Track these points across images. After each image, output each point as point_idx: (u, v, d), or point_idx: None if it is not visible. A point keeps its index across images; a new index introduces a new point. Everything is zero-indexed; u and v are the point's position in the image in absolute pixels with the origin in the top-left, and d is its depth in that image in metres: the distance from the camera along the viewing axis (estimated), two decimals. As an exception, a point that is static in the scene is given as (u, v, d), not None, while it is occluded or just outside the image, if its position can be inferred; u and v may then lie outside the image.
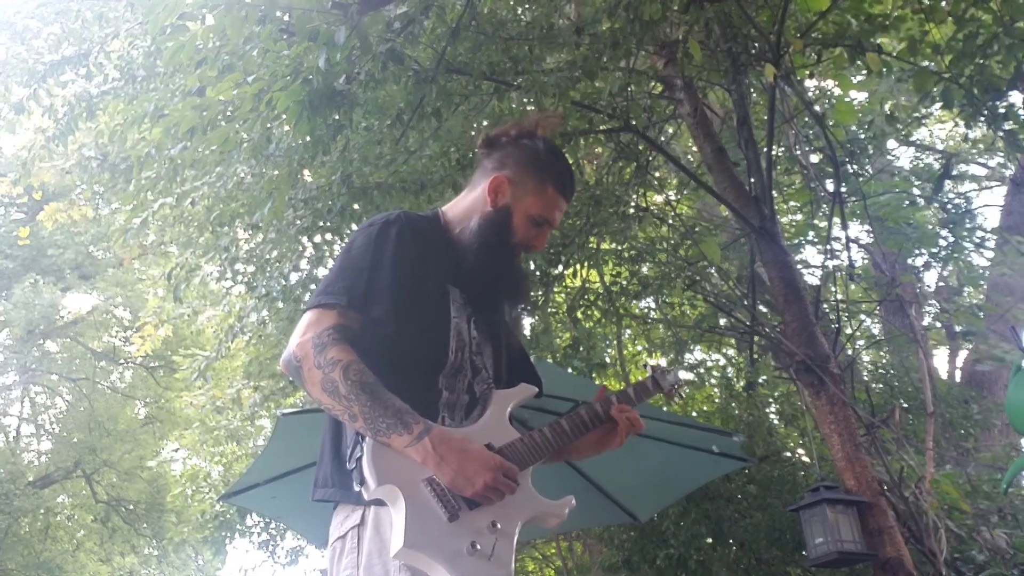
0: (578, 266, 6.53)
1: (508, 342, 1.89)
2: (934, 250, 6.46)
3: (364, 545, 1.54)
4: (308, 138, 3.99)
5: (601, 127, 5.44)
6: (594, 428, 1.83)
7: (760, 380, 7.01)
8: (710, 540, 5.82)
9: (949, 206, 6.48)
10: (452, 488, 1.49)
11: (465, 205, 1.84)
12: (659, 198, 6.94)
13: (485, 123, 4.73)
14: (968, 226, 6.38)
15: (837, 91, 6.16)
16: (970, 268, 7.56)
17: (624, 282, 6.58)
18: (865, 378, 7.04)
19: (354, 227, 5.25)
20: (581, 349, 6.55)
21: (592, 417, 1.83)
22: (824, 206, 6.07)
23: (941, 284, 7.87)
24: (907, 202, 6.26)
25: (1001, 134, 4.35)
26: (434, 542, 1.44)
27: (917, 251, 6.47)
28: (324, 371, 1.52)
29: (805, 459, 6.34)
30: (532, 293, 2.17)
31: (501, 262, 1.78)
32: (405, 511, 1.45)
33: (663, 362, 8.94)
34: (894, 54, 4.72)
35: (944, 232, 6.43)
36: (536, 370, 1.94)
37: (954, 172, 6.47)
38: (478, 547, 1.46)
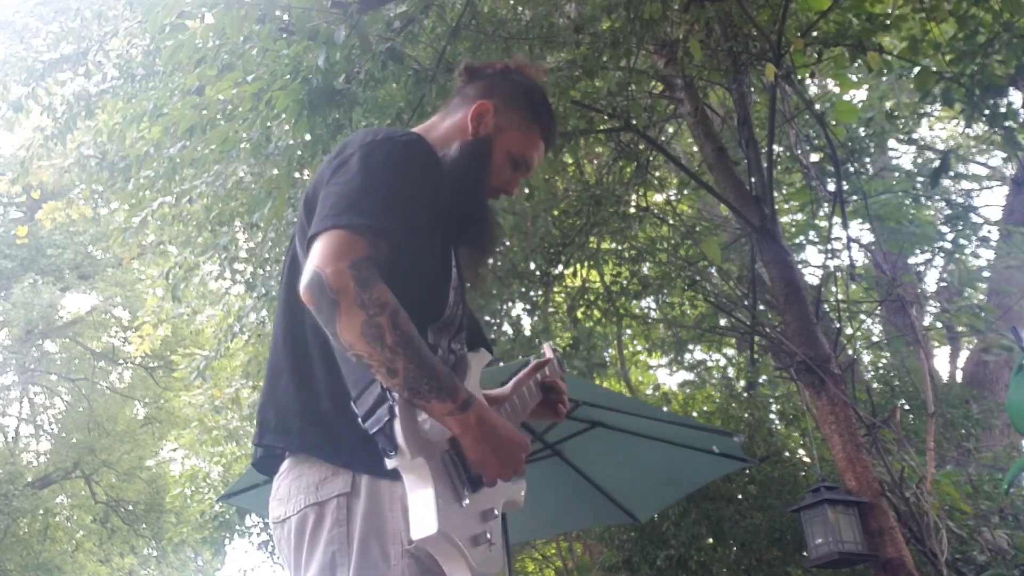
0: (578, 266, 6.52)
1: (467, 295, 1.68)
2: (936, 246, 6.45)
3: (357, 519, 1.31)
4: (308, 137, 3.99)
5: (601, 127, 5.44)
6: (537, 397, 1.72)
7: (761, 380, 7.01)
8: (710, 540, 5.82)
9: (951, 201, 6.48)
10: (478, 467, 1.34)
11: (443, 130, 1.62)
12: (659, 198, 6.93)
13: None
14: (972, 222, 6.37)
15: (837, 90, 6.16)
16: (969, 270, 7.57)
17: (624, 282, 6.57)
18: (866, 378, 7.04)
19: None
20: (581, 349, 6.54)
21: (539, 388, 1.73)
22: (825, 205, 6.07)
23: (942, 284, 7.86)
24: (908, 200, 6.25)
25: (1000, 132, 4.35)
26: (456, 528, 1.29)
27: (918, 250, 6.47)
28: (368, 313, 1.25)
29: (806, 459, 6.33)
30: (497, 243, 1.87)
31: (475, 198, 1.57)
32: (434, 491, 1.27)
33: (663, 361, 8.94)
34: (895, 53, 4.72)
35: (945, 229, 6.42)
36: (485, 333, 1.78)
37: (952, 172, 6.46)
38: (487, 535, 1.35)
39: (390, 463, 1.28)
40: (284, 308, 1.51)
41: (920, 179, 6.50)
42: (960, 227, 6.37)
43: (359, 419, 1.30)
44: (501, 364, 4.48)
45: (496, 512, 1.40)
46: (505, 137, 1.60)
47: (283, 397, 1.42)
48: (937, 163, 5.06)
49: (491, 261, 1.75)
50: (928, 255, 6.68)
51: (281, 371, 1.45)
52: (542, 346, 1.90)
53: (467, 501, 1.33)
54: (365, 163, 1.40)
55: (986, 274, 7.70)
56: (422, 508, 1.27)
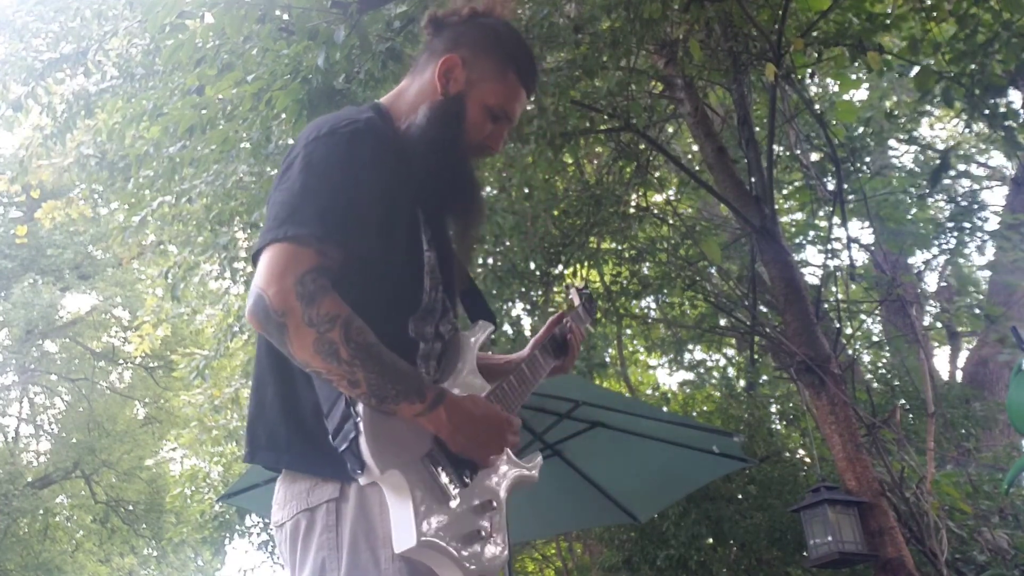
0: (578, 265, 6.52)
1: (457, 265, 1.59)
2: (938, 242, 6.45)
3: (346, 525, 1.29)
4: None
5: (601, 126, 5.43)
6: (551, 362, 1.70)
7: (760, 380, 7.01)
8: (710, 540, 5.82)
9: (954, 199, 6.47)
10: (464, 453, 1.33)
11: (410, 95, 1.51)
12: (659, 197, 6.93)
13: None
14: (975, 221, 6.36)
15: (837, 89, 6.16)
16: (969, 272, 7.57)
17: (624, 282, 6.57)
18: (866, 378, 7.04)
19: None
20: (581, 349, 6.53)
21: (549, 352, 1.71)
22: (825, 205, 6.07)
23: (942, 284, 7.87)
24: (908, 199, 6.25)
25: (1000, 132, 4.35)
26: (445, 531, 1.28)
27: (920, 250, 6.46)
28: (318, 330, 1.21)
29: (806, 459, 6.33)
30: (483, 207, 1.71)
31: (452, 163, 1.46)
32: (412, 501, 1.26)
33: (663, 361, 8.93)
34: (895, 53, 4.71)
35: (949, 225, 6.41)
36: (486, 302, 1.70)
37: (953, 171, 6.46)
38: (483, 531, 1.34)
39: (361, 480, 1.27)
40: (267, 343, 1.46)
41: (922, 180, 6.50)
42: (963, 226, 6.36)
43: (329, 435, 1.29)
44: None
45: (495, 503, 1.38)
46: (479, 90, 1.47)
47: (270, 413, 1.39)
48: (937, 162, 5.05)
49: (480, 227, 1.67)
50: (928, 255, 6.69)
51: (266, 386, 1.41)
52: (569, 290, 1.86)
53: (455, 501, 1.31)
54: (307, 164, 1.33)
55: (986, 273, 7.70)
56: (401, 520, 1.26)
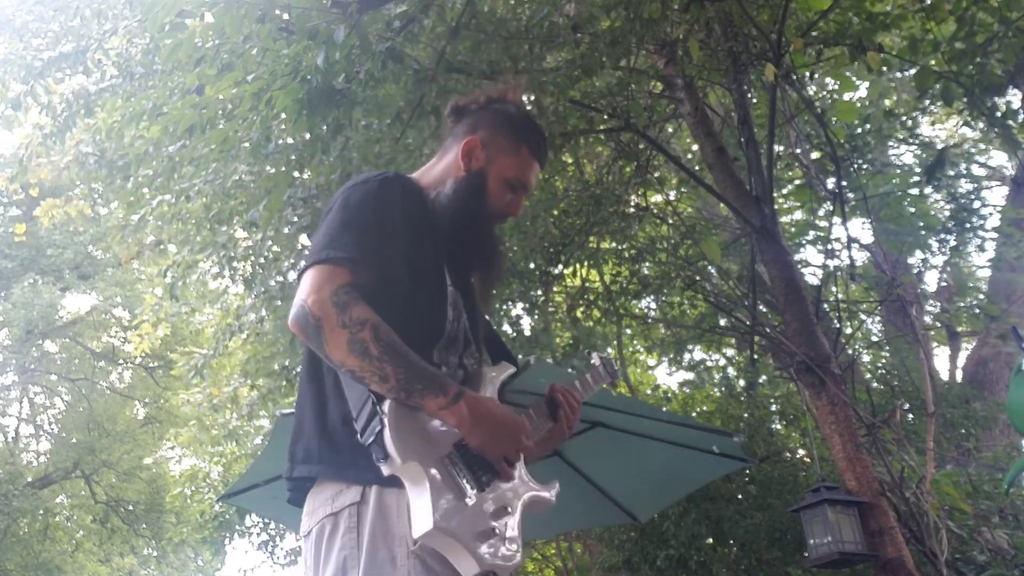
0: (578, 265, 6.52)
1: (481, 316, 1.82)
2: (937, 239, 6.43)
3: (366, 525, 1.42)
4: (307, 135, 3.98)
5: (601, 126, 5.43)
6: (546, 423, 1.77)
7: (760, 380, 7.00)
8: (710, 540, 5.82)
9: (955, 198, 6.46)
10: (482, 451, 1.45)
11: (438, 172, 1.76)
12: (659, 197, 6.93)
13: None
14: (977, 217, 6.35)
15: (837, 88, 6.15)
16: (969, 270, 7.56)
17: (624, 281, 6.57)
18: (866, 378, 7.03)
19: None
20: (580, 348, 6.53)
21: (549, 408, 1.78)
22: (825, 204, 6.07)
23: (942, 284, 7.86)
24: (908, 196, 6.24)
25: (998, 131, 4.35)
26: (459, 525, 1.39)
27: (923, 252, 6.45)
28: (351, 331, 1.40)
29: (806, 459, 6.33)
30: (503, 264, 2.16)
31: (476, 229, 1.70)
32: (429, 491, 1.38)
33: (663, 361, 8.93)
34: (894, 52, 4.71)
35: (949, 224, 6.40)
36: (507, 347, 1.90)
37: (951, 171, 6.45)
38: (497, 531, 1.44)
39: (384, 469, 1.40)
40: (307, 360, 1.65)
41: (918, 172, 6.49)
42: (964, 226, 6.35)
43: (358, 434, 1.44)
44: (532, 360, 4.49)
45: (510, 509, 1.49)
46: (497, 164, 1.72)
47: (307, 431, 1.57)
48: (936, 156, 5.04)
49: (499, 283, 1.98)
50: (928, 252, 6.67)
51: (305, 412, 1.60)
52: (592, 356, 2.03)
53: (472, 500, 1.43)
54: (344, 205, 1.58)
55: (986, 273, 7.70)
56: (418, 507, 1.38)
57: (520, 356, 5.34)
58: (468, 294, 1.73)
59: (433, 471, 1.41)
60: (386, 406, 1.42)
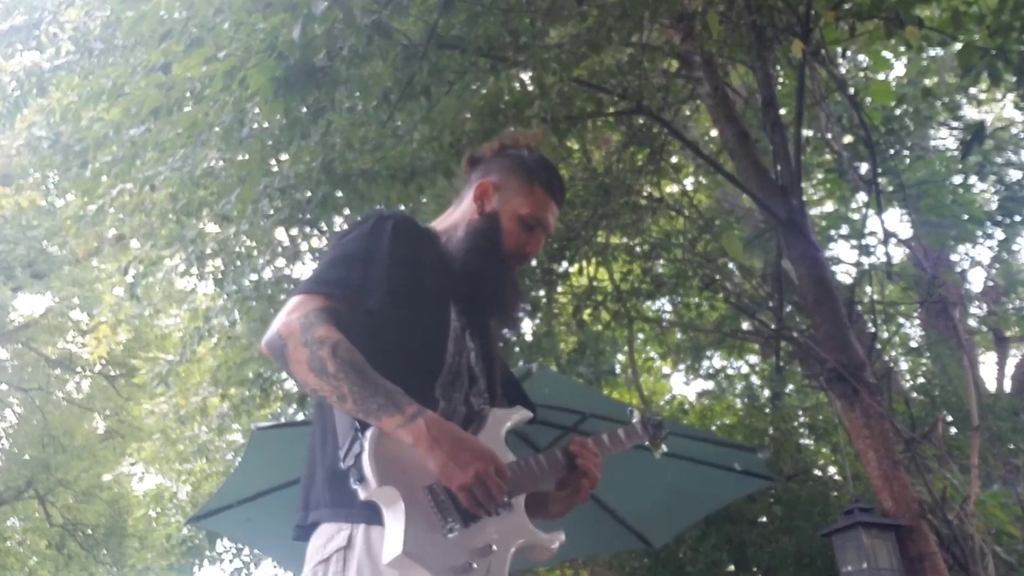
0: (585, 262, 6.52)
1: (498, 359, 1.96)
2: (985, 233, 6.41)
3: (351, 570, 1.55)
4: (283, 119, 3.97)
5: (611, 109, 5.43)
6: (567, 470, 1.80)
7: (787, 390, 7.01)
8: (732, 567, 5.82)
9: (1004, 186, 6.43)
10: (441, 475, 1.53)
11: (454, 218, 1.95)
12: (675, 187, 6.93)
13: (480, 105, 4.72)
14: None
15: (872, 66, 6.15)
16: (1018, 267, 7.55)
17: (636, 281, 6.57)
18: (904, 388, 7.03)
19: (336, 219, 5.25)
20: (588, 354, 6.53)
21: (564, 456, 1.80)
22: (859, 194, 6.07)
23: (989, 284, 7.86)
24: (950, 183, 6.22)
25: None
26: (431, 555, 1.47)
27: (964, 245, 6.44)
28: (311, 349, 1.57)
29: (837, 477, 6.33)
30: (524, 306, 2.33)
31: (490, 269, 1.85)
32: (405, 517, 1.48)
33: (679, 369, 8.93)
34: (935, 27, 4.71)
35: (997, 216, 6.39)
36: (527, 395, 2.00)
37: (998, 156, 6.44)
38: (475, 567, 1.51)
39: (360, 493, 1.52)
40: (317, 409, 1.81)
41: (958, 156, 6.47)
42: (1013, 217, 6.33)
43: (341, 462, 1.58)
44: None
45: (495, 548, 1.56)
46: (511, 205, 1.89)
47: (315, 475, 1.73)
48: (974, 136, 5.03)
49: (517, 324, 2.13)
50: (973, 247, 6.66)
51: (315, 455, 1.75)
52: (632, 413, 2.06)
53: (453, 533, 1.52)
54: (336, 243, 1.83)
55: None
56: (391, 532, 1.48)
57: (520, 363, 5.34)
58: (481, 333, 1.88)
59: (413, 498, 1.51)
60: (369, 432, 1.54)
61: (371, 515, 1.55)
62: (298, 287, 1.74)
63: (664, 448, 2.07)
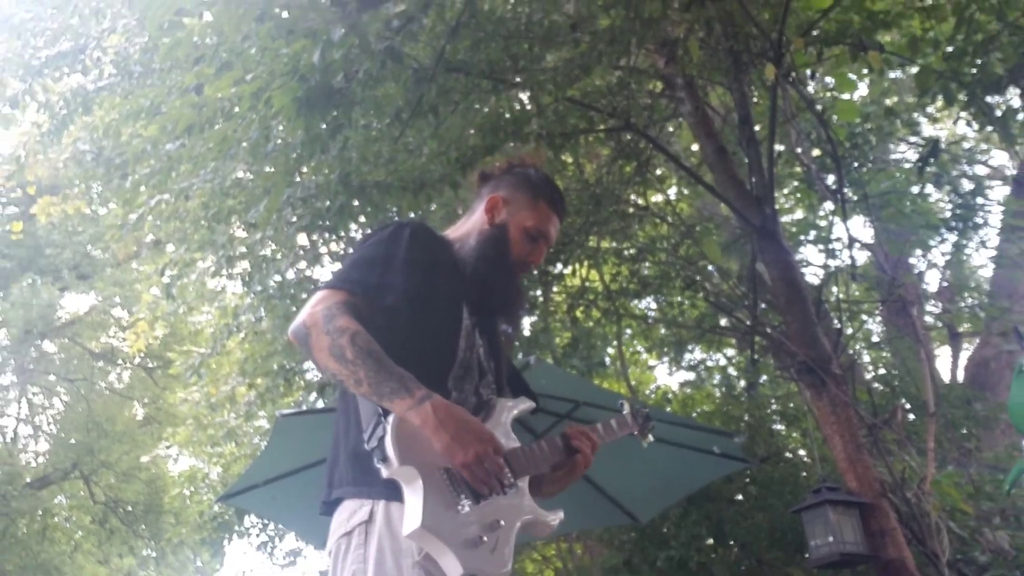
0: (578, 265, 6.51)
1: (505, 355, 1.98)
2: (938, 241, 6.40)
3: (373, 541, 1.56)
4: (305, 133, 3.97)
5: (601, 126, 5.42)
6: (565, 454, 1.84)
7: (761, 380, 7.00)
8: (711, 541, 5.81)
9: (957, 194, 6.43)
10: (446, 453, 1.55)
11: (466, 228, 1.97)
12: (659, 197, 6.92)
13: (483, 122, 4.71)
14: (980, 211, 6.32)
15: (838, 86, 6.13)
16: (970, 269, 7.53)
17: (624, 281, 6.56)
18: (867, 379, 7.02)
19: (352, 225, 5.25)
20: (580, 348, 6.53)
21: (564, 443, 1.85)
22: (826, 203, 6.06)
23: (944, 284, 7.85)
24: (909, 193, 6.21)
25: (997, 129, 4.34)
26: (446, 528, 1.50)
27: (923, 251, 6.42)
28: (332, 337, 1.59)
29: (806, 460, 6.32)
30: (526, 309, 2.36)
31: (499, 275, 1.88)
32: (423, 494, 1.50)
33: (663, 361, 8.92)
34: (894, 52, 4.70)
35: (952, 221, 6.38)
36: (529, 387, 2.05)
37: (952, 169, 6.42)
38: (484, 540, 1.53)
39: (383, 471, 1.53)
40: (341, 397, 1.83)
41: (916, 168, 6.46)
42: (966, 222, 6.33)
43: (365, 442, 1.60)
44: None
45: (503, 523, 1.58)
46: (518, 218, 1.92)
47: (339, 456, 1.74)
48: (935, 155, 5.03)
49: (520, 326, 2.14)
50: (929, 251, 6.64)
51: (339, 439, 1.77)
52: (623, 405, 2.10)
53: (465, 509, 1.54)
54: (361, 245, 1.87)
55: (988, 273, 7.68)
56: (410, 507, 1.51)
57: (520, 356, 5.33)
58: (490, 331, 1.91)
59: (430, 477, 1.53)
60: (391, 417, 1.56)
61: (391, 492, 1.56)
62: (323, 283, 1.77)
63: (651, 438, 2.11)
